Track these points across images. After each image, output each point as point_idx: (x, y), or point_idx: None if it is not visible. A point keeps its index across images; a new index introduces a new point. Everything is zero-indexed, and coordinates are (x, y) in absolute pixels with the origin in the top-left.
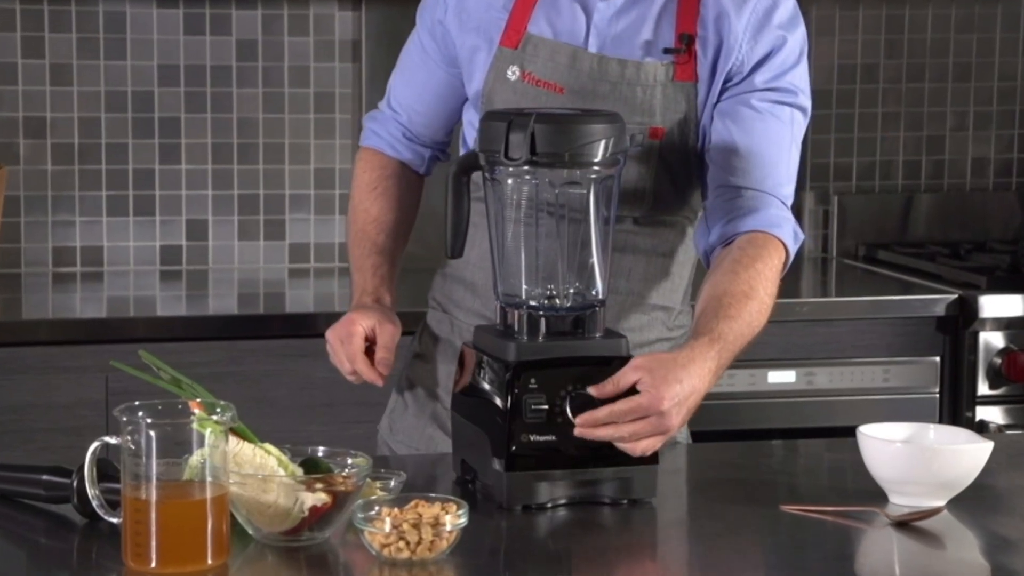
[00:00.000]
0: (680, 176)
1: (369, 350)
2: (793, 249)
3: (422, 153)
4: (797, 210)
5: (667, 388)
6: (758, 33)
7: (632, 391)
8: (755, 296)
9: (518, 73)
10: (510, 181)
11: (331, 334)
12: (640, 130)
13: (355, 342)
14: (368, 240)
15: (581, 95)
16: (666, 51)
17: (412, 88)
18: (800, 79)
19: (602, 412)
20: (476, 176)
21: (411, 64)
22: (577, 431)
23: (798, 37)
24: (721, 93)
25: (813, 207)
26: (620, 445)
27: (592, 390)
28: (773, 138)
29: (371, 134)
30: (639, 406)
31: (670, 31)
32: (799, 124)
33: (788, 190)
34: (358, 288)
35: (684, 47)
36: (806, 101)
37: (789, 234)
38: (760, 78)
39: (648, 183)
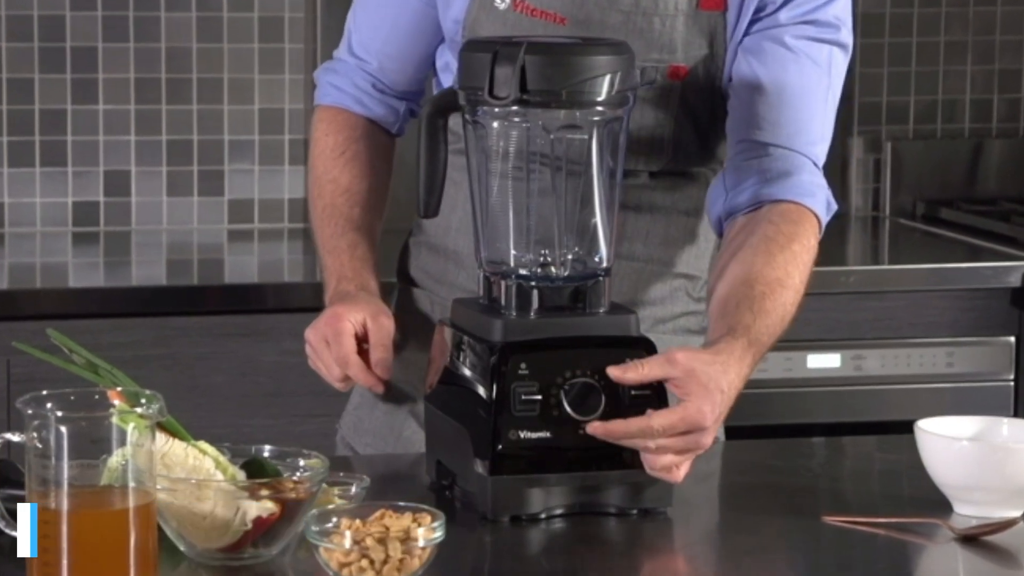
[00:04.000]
0: (705, 123)
1: (360, 350)
2: (825, 223)
3: (396, 107)
4: (843, 161)
5: (709, 399)
6: None
7: (635, 390)
8: (790, 284)
9: None
10: (496, 125)
11: (313, 334)
12: (657, 68)
13: (345, 342)
14: (340, 216)
15: (586, 26)
16: None
17: (380, 27)
18: (843, 9)
19: (635, 425)
20: (456, 122)
21: None
22: (593, 429)
23: None
24: (749, 26)
25: (862, 156)
26: (645, 461)
27: (613, 371)
28: (808, 85)
29: (330, 89)
30: (682, 420)
31: None
32: (839, 66)
33: (822, 149)
34: (334, 274)
35: None
36: (848, 37)
37: (822, 205)
38: (794, 9)
39: (667, 131)
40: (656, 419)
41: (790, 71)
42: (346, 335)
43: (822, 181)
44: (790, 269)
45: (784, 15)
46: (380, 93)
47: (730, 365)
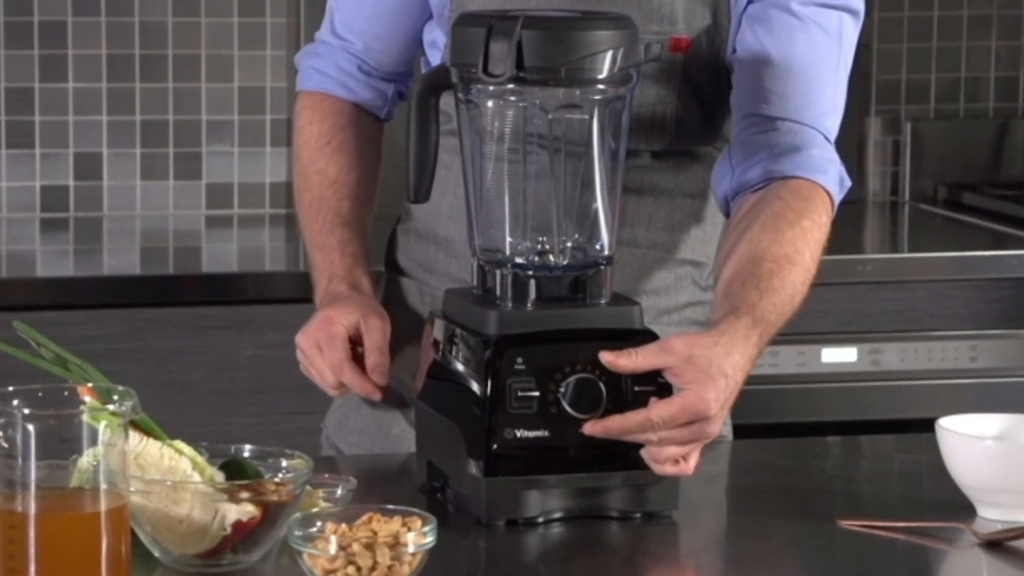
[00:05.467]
0: (709, 98)
1: (355, 354)
2: (838, 200)
3: (383, 90)
4: (859, 142)
5: (712, 385)
6: None
7: (638, 385)
8: (800, 262)
9: None
10: (490, 104)
11: (304, 340)
12: (658, 40)
13: (338, 348)
14: (328, 210)
15: None
16: None
17: (363, 4)
18: None
19: (633, 420)
20: (447, 102)
21: None
22: (591, 428)
23: None
24: None
25: (880, 137)
26: (648, 454)
27: (605, 356)
28: (817, 54)
29: (313, 74)
30: (683, 410)
31: None
32: (849, 34)
33: (833, 122)
34: (323, 273)
35: None
36: (859, 2)
37: (835, 182)
38: None
39: (670, 108)
40: (655, 411)
41: (798, 40)
42: (339, 340)
43: (834, 156)
44: (799, 246)
45: None
46: (366, 76)
47: (734, 346)
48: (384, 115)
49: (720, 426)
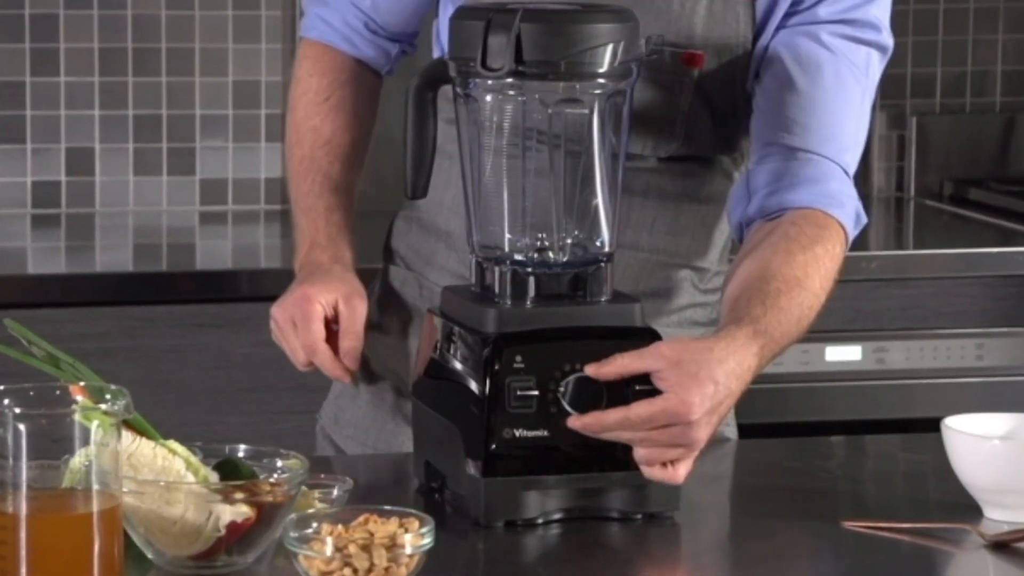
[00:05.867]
0: (723, 110)
1: (330, 333)
2: (852, 236)
3: (387, 49)
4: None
5: (698, 390)
6: None
7: (639, 384)
8: (809, 287)
9: None
10: (489, 98)
11: (279, 313)
12: (672, 54)
13: (313, 327)
14: (319, 171)
15: None
16: None
17: None
18: (883, 9)
19: (612, 417)
20: (446, 93)
21: None
22: (572, 423)
23: None
24: (784, 19)
25: (885, 132)
26: (637, 456)
27: (589, 369)
28: (843, 88)
29: (318, 22)
30: (663, 412)
31: None
32: (875, 70)
33: (853, 156)
34: (306, 237)
35: None
36: (888, 39)
37: (851, 217)
38: (834, 5)
39: (678, 119)
40: (634, 409)
41: (826, 72)
42: (315, 320)
43: (852, 191)
44: (810, 271)
45: (823, 10)
46: (372, 34)
47: (730, 352)
48: (386, 71)
49: (708, 433)
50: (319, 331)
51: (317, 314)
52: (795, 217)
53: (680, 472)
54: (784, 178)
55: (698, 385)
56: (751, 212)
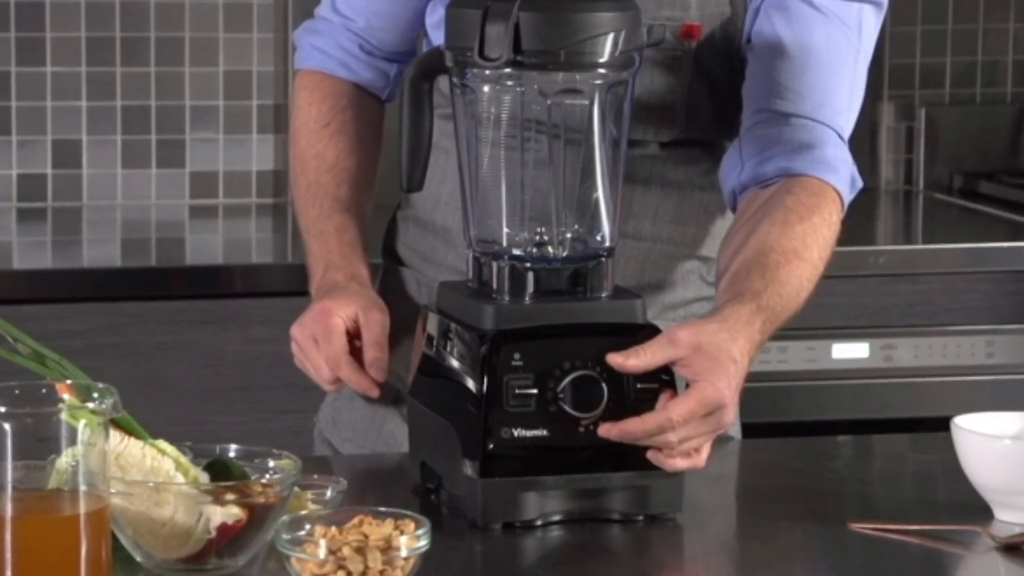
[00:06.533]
0: (722, 88)
1: (353, 348)
2: (848, 201)
3: (386, 70)
4: (872, 129)
5: (723, 372)
6: None
7: (640, 382)
8: (808, 258)
9: None
10: (487, 89)
11: (300, 332)
12: (670, 28)
13: (335, 341)
14: (326, 196)
15: None
16: None
17: None
18: None
19: (652, 422)
20: (445, 85)
21: None
22: (606, 432)
23: None
24: None
25: (893, 124)
26: (655, 458)
27: (614, 359)
28: (836, 48)
29: (313, 52)
30: (701, 404)
31: None
32: (869, 27)
33: (848, 120)
34: (320, 261)
35: None
36: None
37: (846, 182)
38: None
39: (679, 98)
40: (674, 409)
41: (816, 33)
42: (337, 333)
43: (847, 156)
44: (808, 241)
45: None
46: (368, 55)
47: (738, 331)
48: (386, 95)
49: (734, 412)
50: (342, 344)
51: (338, 327)
52: (790, 185)
53: (703, 456)
54: (778, 144)
55: (721, 368)
56: (744, 179)
